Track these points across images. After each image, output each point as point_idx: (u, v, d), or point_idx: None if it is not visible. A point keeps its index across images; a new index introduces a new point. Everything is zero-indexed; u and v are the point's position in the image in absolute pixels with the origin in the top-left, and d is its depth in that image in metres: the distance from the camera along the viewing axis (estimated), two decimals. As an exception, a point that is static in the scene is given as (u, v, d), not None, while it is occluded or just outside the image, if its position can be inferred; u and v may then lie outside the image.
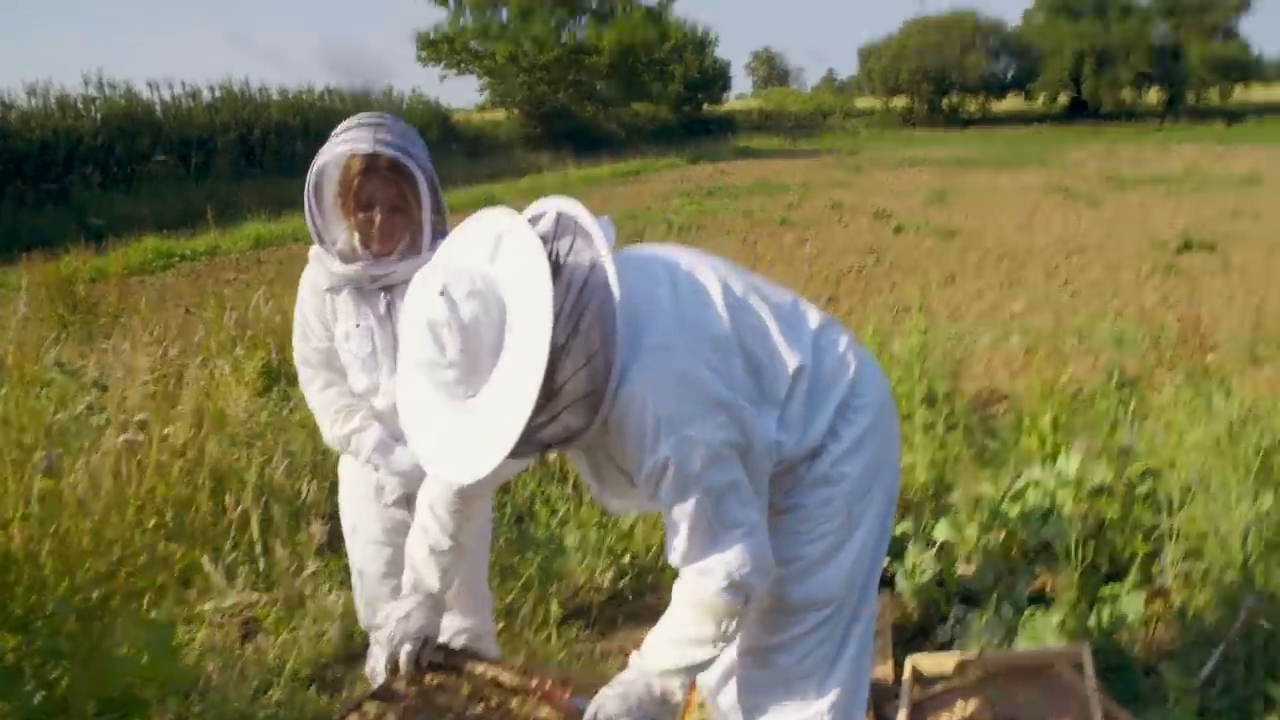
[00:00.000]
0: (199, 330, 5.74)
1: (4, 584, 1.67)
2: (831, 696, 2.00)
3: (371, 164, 2.38)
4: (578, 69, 33.85)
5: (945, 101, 51.29)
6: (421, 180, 2.40)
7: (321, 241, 2.49)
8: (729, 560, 1.77)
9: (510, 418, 1.60)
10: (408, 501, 2.62)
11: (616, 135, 35.23)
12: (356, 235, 2.48)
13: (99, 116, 21.07)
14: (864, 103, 56.01)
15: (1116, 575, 3.46)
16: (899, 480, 2.16)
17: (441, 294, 1.61)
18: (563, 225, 1.76)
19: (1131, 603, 3.23)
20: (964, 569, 3.61)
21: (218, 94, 24.41)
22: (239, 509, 3.50)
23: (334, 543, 3.65)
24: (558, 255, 1.69)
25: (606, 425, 1.74)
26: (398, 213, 2.45)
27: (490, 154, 29.19)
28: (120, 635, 1.75)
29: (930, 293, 9.27)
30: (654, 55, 35.20)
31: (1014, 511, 3.66)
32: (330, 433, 2.60)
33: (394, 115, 2.51)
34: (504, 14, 34.52)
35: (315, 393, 2.62)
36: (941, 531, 3.67)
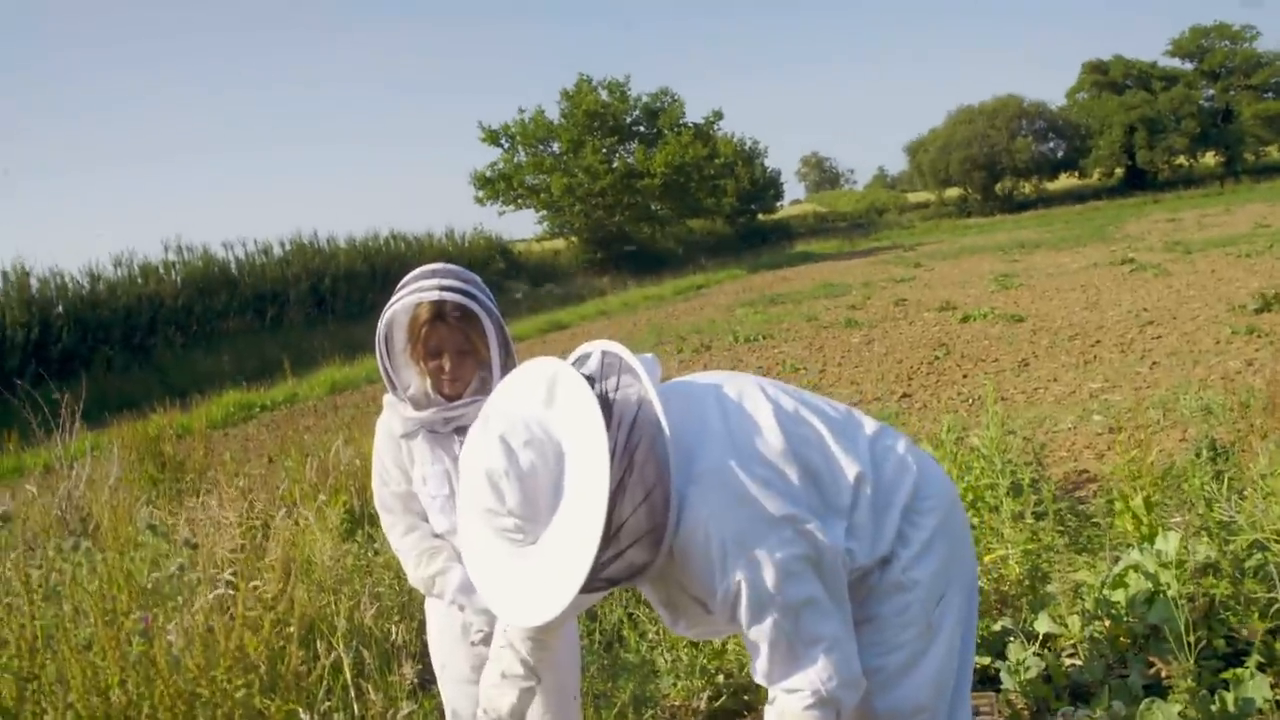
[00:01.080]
0: (282, 479, 5.88)
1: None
2: None
3: (438, 311, 2.46)
4: (631, 192, 34.64)
5: (999, 187, 51.32)
6: (488, 323, 2.46)
7: (394, 389, 2.56)
8: (814, 677, 1.74)
9: (576, 561, 1.62)
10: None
11: (675, 253, 35.83)
12: (428, 381, 2.55)
13: (179, 279, 22.08)
14: (917, 196, 56.36)
15: (1235, 657, 3.29)
16: (976, 579, 2.12)
17: (499, 443, 1.65)
18: (608, 365, 1.81)
19: (1257, 686, 3.06)
20: (1070, 662, 3.48)
21: (288, 247, 25.50)
22: (331, 656, 3.51)
23: (425, 683, 3.63)
24: (606, 394, 1.73)
25: (673, 556, 1.75)
26: (466, 356, 2.51)
27: (553, 281, 29.86)
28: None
29: (1004, 380, 9.16)
30: (705, 172, 35.88)
31: (1117, 598, 3.53)
32: (414, 575, 2.63)
33: (457, 265, 2.59)
34: (555, 147, 35.60)
35: (398, 537, 2.66)
36: (1042, 624, 3.54)
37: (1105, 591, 3.53)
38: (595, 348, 1.87)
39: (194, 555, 3.46)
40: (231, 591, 2.60)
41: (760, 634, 1.74)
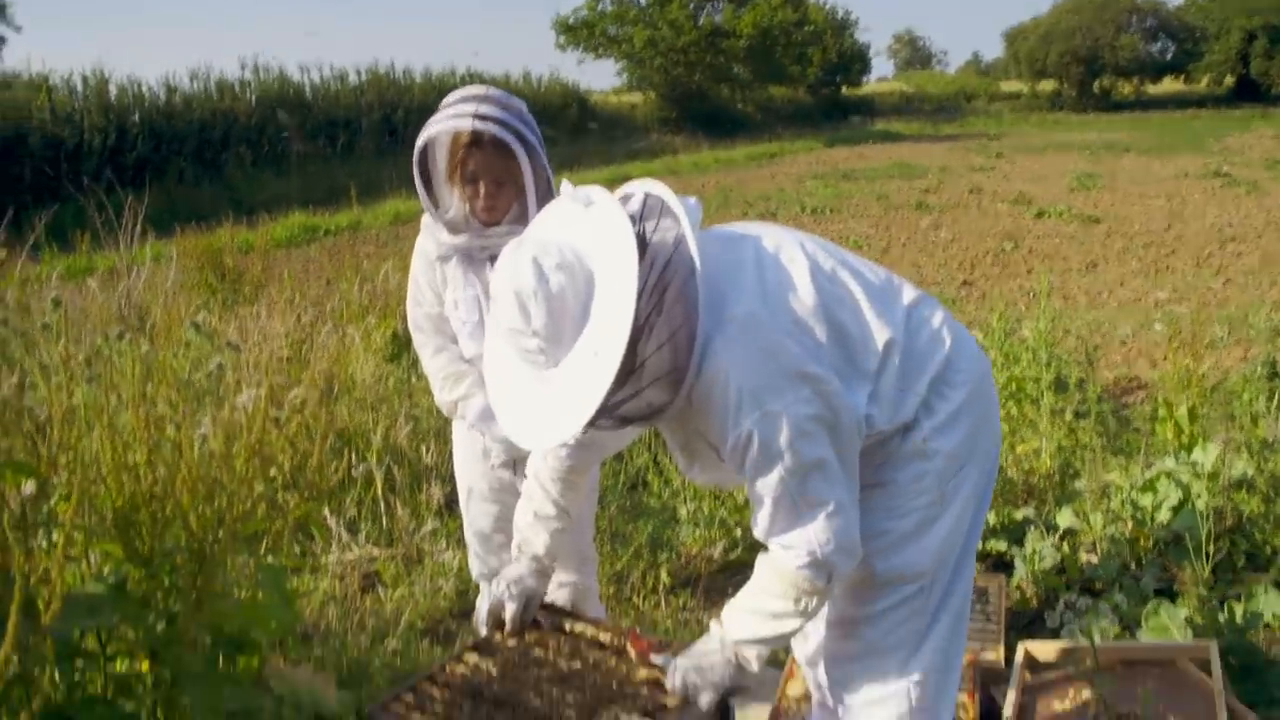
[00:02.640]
0: (335, 299, 5.97)
1: (133, 522, 1.77)
2: (918, 673, 1.96)
3: (475, 138, 2.42)
4: (715, 52, 33.65)
5: (1096, 84, 48.99)
6: (523, 154, 2.42)
7: (434, 208, 2.55)
8: (812, 537, 1.76)
9: (590, 390, 1.63)
10: (514, 465, 2.70)
11: (752, 118, 34.96)
12: (466, 205, 2.54)
13: (253, 99, 22.06)
14: (1009, 86, 54.12)
15: (1254, 574, 3.28)
16: (997, 461, 2.09)
17: (531, 264, 1.64)
18: (650, 206, 1.78)
19: (1270, 602, 3.06)
20: (1087, 558, 3.49)
21: (364, 76, 25.25)
22: (362, 468, 3.64)
23: (452, 504, 3.76)
24: (644, 233, 1.71)
25: (691, 400, 1.75)
26: (503, 185, 2.48)
27: (627, 136, 29.40)
28: (234, 576, 1.84)
29: (1069, 279, 8.96)
30: (792, 38, 34.69)
31: (1145, 502, 3.50)
32: (440, 396, 2.69)
33: (499, 89, 2.54)
34: (641, -1, 34.59)
35: (428, 357, 2.70)
36: (1065, 518, 3.55)
37: (1134, 494, 3.50)
38: (639, 187, 1.85)
39: (235, 357, 3.56)
40: (263, 393, 2.67)
41: (765, 488, 1.75)
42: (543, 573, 2.25)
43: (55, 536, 1.65)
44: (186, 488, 1.78)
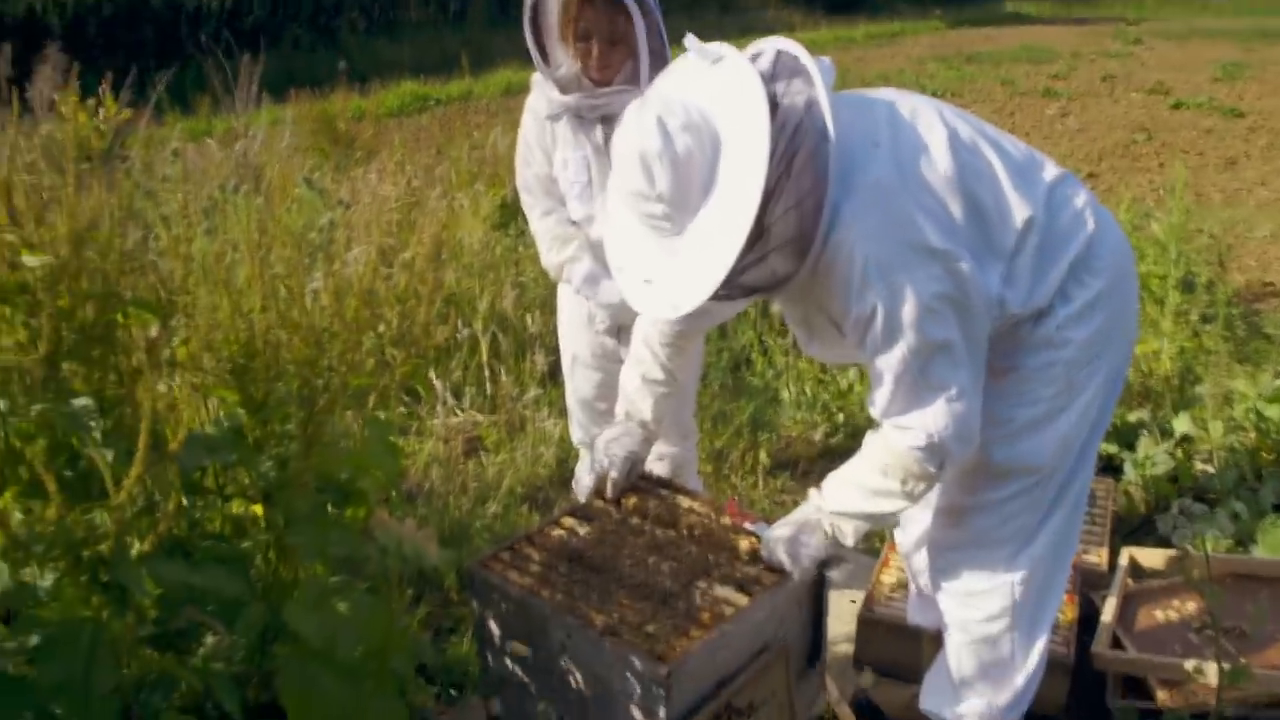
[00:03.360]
0: (445, 167, 5.98)
1: (248, 369, 1.81)
2: (1024, 569, 1.92)
3: None
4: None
5: (1255, -37, 45.47)
6: (637, 14, 2.34)
7: (545, 64, 2.49)
8: (929, 420, 1.70)
9: (717, 257, 1.58)
10: (618, 331, 2.68)
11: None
12: (578, 63, 2.47)
13: (369, -37, 21.93)
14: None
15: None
16: (1130, 357, 1.99)
17: (656, 125, 1.57)
18: (781, 64, 1.69)
19: (1397, 526, 2.91)
20: (1202, 467, 3.36)
21: (478, -60, 24.86)
22: (468, 333, 3.68)
23: (555, 373, 3.79)
24: (775, 94, 1.62)
25: (816, 270, 1.68)
26: (616, 45, 2.41)
27: (743, 10, 28.48)
28: (343, 428, 1.88)
29: (1205, 176, 8.47)
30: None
31: (1271, 413, 3.35)
32: (546, 259, 2.67)
33: None
34: None
35: (536, 218, 2.68)
36: (1182, 424, 3.42)
37: (1259, 403, 3.35)
38: (770, 45, 1.75)
39: (346, 214, 3.60)
40: (373, 253, 2.71)
41: (886, 366, 1.69)
42: (646, 439, 2.25)
43: (177, 377, 1.70)
44: (298, 337, 1.82)
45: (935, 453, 1.72)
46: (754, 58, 1.71)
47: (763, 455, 3.46)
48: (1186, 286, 4.33)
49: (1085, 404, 1.85)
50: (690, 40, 1.74)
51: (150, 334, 1.61)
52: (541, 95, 2.54)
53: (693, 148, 1.58)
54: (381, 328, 2.06)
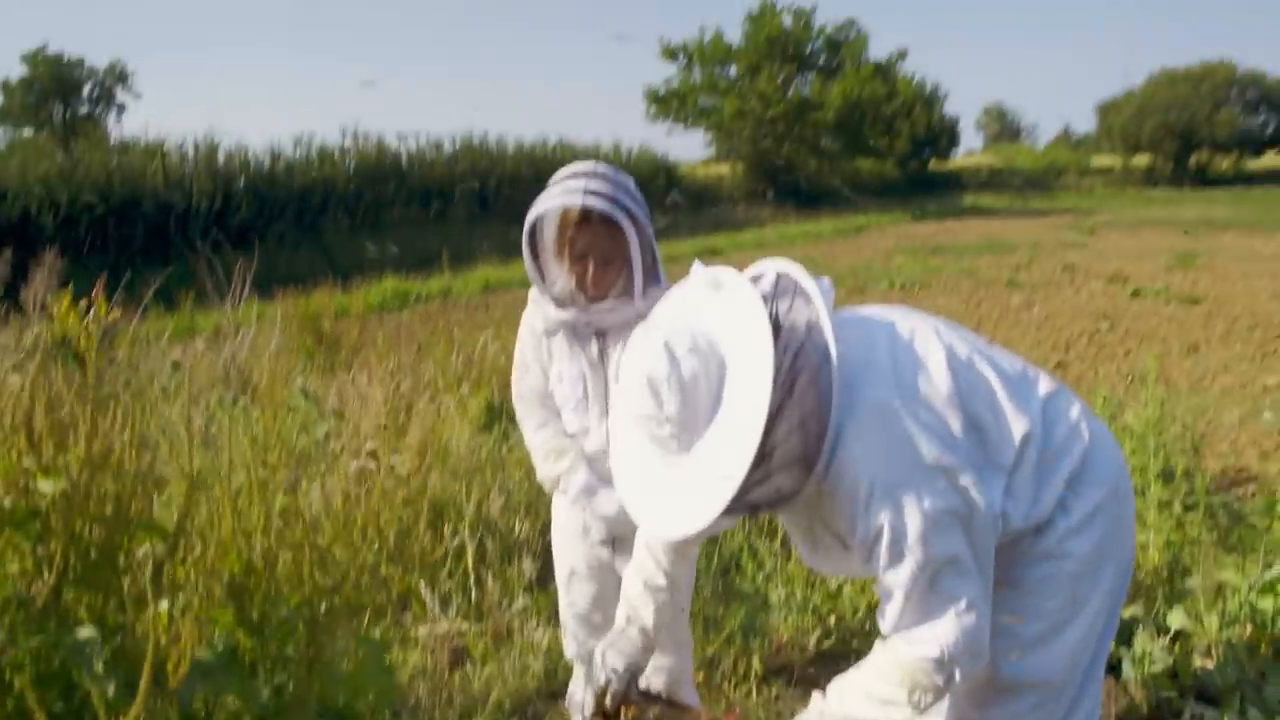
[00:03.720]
0: (429, 367, 6.08)
1: (245, 589, 1.80)
2: None
3: (585, 215, 2.43)
4: (804, 124, 33.93)
5: (1192, 159, 47.99)
6: (632, 230, 2.43)
7: (541, 283, 2.58)
8: (940, 634, 1.69)
9: (724, 478, 1.60)
10: (614, 543, 2.68)
11: (839, 191, 35.02)
12: (573, 280, 2.56)
13: (352, 166, 22.85)
14: (1101, 160, 53.27)
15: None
16: (1132, 565, 2.00)
17: (663, 349, 1.63)
18: (782, 286, 1.76)
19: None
20: (1201, 663, 3.32)
21: (458, 145, 25.99)
22: (455, 540, 3.65)
23: (543, 579, 3.75)
24: (777, 315, 1.69)
25: (820, 488, 1.71)
26: (611, 262, 2.49)
27: (714, 207, 29.65)
28: (341, 648, 1.85)
29: (1169, 363, 8.70)
30: (881, 111, 34.82)
31: (1265, 605, 3.34)
32: (542, 470, 2.70)
33: (608, 165, 2.55)
34: (732, 70, 35.07)
35: (531, 430, 2.72)
36: (1176, 619, 3.39)
37: (1252, 596, 3.34)
38: (770, 267, 1.82)
39: (339, 424, 3.63)
40: (372, 465, 2.72)
41: (894, 582, 1.70)
42: (646, 648, 2.22)
43: (179, 600, 1.68)
44: (300, 557, 1.82)
45: (945, 666, 1.70)
46: (754, 279, 1.78)
47: (756, 662, 3.40)
48: (1166, 476, 4.38)
49: (1092, 615, 1.85)
50: (696, 266, 1.82)
51: (156, 556, 1.60)
52: (538, 311, 2.62)
53: (698, 371, 1.63)
54: (377, 543, 2.06)
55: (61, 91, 50.04)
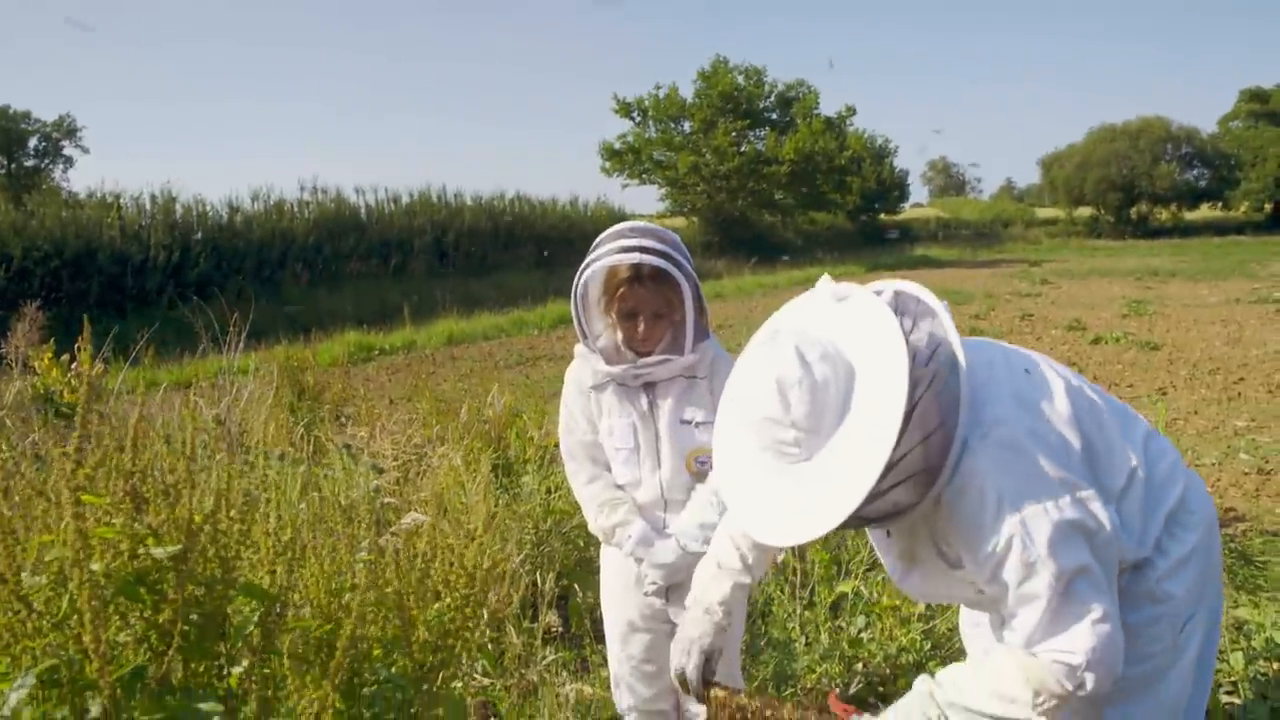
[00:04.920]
0: (430, 422, 6.02)
1: (331, 649, 1.75)
2: None
3: (636, 273, 2.47)
4: (757, 178, 34.41)
5: (1133, 211, 49.45)
6: (685, 285, 2.47)
7: (585, 338, 2.59)
8: (1077, 641, 1.63)
9: (850, 487, 1.58)
10: (666, 593, 2.66)
11: (793, 243, 35.53)
12: (620, 335, 2.58)
13: (311, 219, 22.73)
14: (1045, 212, 54.68)
15: None
16: (1222, 610, 2.02)
17: (794, 353, 1.62)
18: (903, 301, 1.76)
19: None
20: (1228, 699, 3.36)
21: (416, 198, 25.99)
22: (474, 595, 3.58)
23: (566, 633, 3.70)
24: (903, 329, 1.68)
25: (939, 503, 1.69)
26: (662, 317, 2.53)
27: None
28: (436, 711, 1.81)
29: (1140, 407, 8.86)
30: (833, 164, 35.43)
31: (1287, 641, 3.39)
32: (595, 523, 2.68)
33: (652, 224, 2.61)
34: (686, 126, 35.52)
35: (581, 485, 2.70)
36: (1203, 659, 3.43)
37: (1274, 632, 3.39)
38: (889, 285, 1.82)
39: (380, 478, 3.57)
40: (423, 518, 2.69)
41: (1026, 596, 1.65)
42: (720, 628, 2.18)
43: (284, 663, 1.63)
44: (387, 616, 1.78)
45: (1078, 673, 1.64)
46: (876, 294, 1.77)
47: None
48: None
49: (1191, 661, 1.86)
50: (824, 280, 1.80)
51: (268, 620, 1.56)
52: (586, 366, 2.63)
53: (829, 376, 1.61)
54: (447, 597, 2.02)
55: (7, 145, 49.37)
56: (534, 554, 4.13)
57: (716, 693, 2.09)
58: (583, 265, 2.49)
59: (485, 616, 2.09)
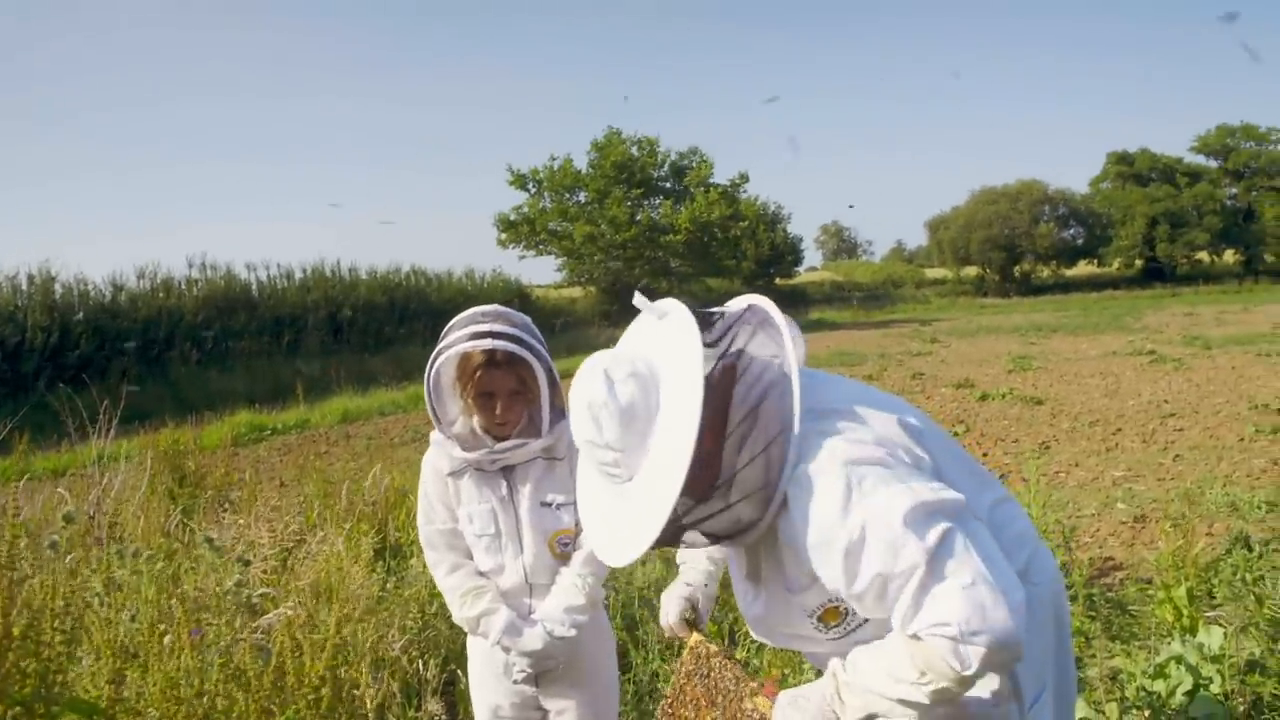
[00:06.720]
0: (299, 504, 5.85)
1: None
2: None
3: (490, 357, 2.48)
4: (654, 246, 34.83)
5: (1017, 269, 51.54)
6: (538, 366, 2.48)
7: (439, 424, 2.57)
8: (948, 611, 1.52)
9: (657, 504, 1.59)
10: (536, 680, 2.62)
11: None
12: (476, 420, 2.57)
13: (200, 296, 22.19)
14: (934, 272, 56.54)
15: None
16: (1075, 692, 1.95)
17: (602, 376, 1.65)
18: (752, 313, 1.77)
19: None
20: (1106, 751, 3.42)
21: (309, 274, 25.60)
22: (363, 685, 3.47)
23: (451, 720, 3.59)
24: (732, 341, 1.72)
25: (786, 505, 1.64)
26: (517, 397, 2.54)
27: (568, 329, 29.92)
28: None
29: (1024, 461, 9.11)
30: (729, 232, 36.08)
31: (1158, 688, 3.47)
32: (459, 614, 2.62)
33: (503, 306, 2.63)
34: (581, 196, 35.86)
35: (443, 575, 2.64)
36: (1081, 710, 3.49)
37: (1145, 681, 3.48)
38: (747, 299, 1.82)
39: (245, 571, 3.44)
40: (288, 613, 2.60)
41: (891, 579, 1.55)
42: (707, 592, 2.22)
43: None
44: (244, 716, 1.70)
45: (959, 646, 1.51)
46: (722, 310, 1.79)
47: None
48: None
49: None
50: (638, 299, 1.80)
51: (88, 736, 1.47)
52: (442, 453, 2.60)
53: (636, 396, 1.63)
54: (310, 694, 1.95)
55: (-127, 227, 47.30)
56: (418, 639, 4.02)
57: (696, 636, 2.18)
58: (435, 352, 2.48)
59: (345, 714, 2.01)
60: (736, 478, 1.63)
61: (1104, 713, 3.47)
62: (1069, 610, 1.97)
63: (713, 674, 2.05)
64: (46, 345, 18.17)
